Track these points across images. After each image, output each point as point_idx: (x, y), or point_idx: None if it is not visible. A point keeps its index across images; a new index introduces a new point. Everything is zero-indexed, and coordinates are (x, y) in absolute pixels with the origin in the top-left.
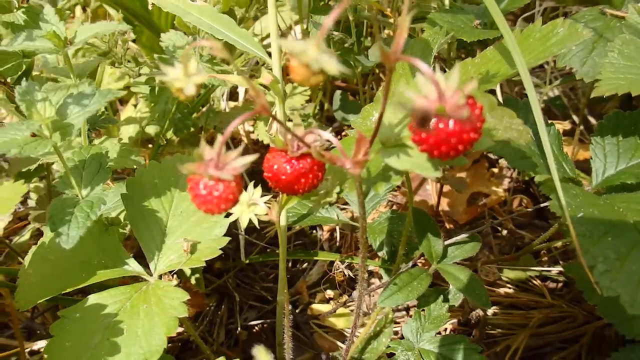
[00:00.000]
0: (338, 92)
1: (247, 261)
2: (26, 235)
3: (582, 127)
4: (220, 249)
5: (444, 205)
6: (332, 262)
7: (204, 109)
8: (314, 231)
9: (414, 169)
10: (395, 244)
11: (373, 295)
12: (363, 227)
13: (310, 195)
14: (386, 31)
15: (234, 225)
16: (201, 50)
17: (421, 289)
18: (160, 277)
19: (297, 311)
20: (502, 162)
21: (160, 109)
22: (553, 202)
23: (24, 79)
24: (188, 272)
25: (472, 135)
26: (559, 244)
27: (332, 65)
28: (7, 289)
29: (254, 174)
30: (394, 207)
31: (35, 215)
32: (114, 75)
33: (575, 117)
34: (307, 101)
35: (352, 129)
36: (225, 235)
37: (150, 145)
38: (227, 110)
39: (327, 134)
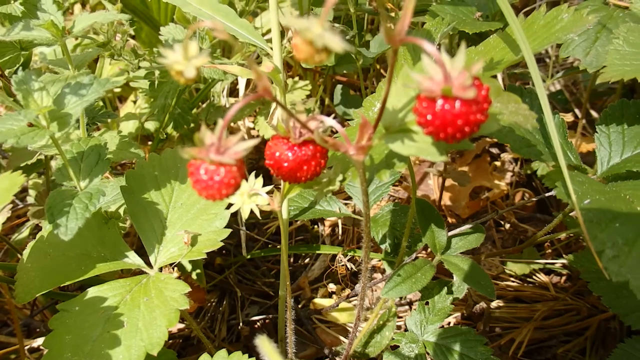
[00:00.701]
0: (339, 87)
1: (249, 256)
2: (25, 232)
3: (584, 121)
4: (221, 245)
5: (446, 199)
6: (334, 257)
7: (204, 105)
8: (316, 226)
9: (418, 153)
10: (398, 236)
11: (376, 290)
12: (367, 215)
13: (313, 184)
14: (388, 25)
15: (235, 221)
16: (201, 43)
17: (425, 280)
18: (160, 269)
19: (299, 306)
20: (504, 156)
21: (159, 104)
22: (559, 189)
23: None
24: (189, 267)
25: (479, 117)
26: (562, 236)
27: (336, 43)
28: (6, 286)
29: (256, 171)
30: (396, 202)
31: (34, 211)
32: (113, 72)
33: (577, 111)
34: (308, 96)
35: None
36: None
37: (149, 143)
38: (227, 105)
39: (331, 120)
